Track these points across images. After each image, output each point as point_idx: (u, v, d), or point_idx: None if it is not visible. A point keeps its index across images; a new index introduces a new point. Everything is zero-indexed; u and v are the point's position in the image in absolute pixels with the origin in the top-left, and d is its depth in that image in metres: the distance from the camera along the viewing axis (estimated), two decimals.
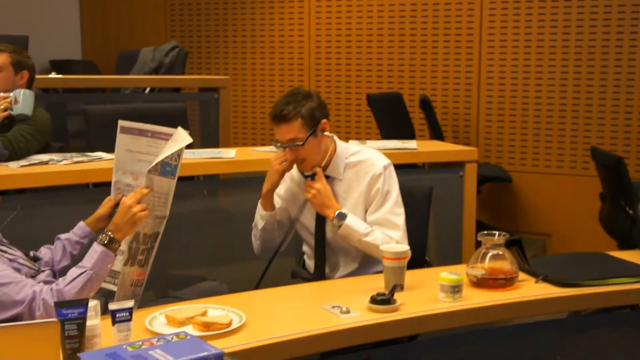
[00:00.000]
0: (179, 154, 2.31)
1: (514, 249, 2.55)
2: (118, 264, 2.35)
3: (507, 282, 2.44)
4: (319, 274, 2.78)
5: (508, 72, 5.41)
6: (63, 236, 2.50)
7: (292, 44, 6.19)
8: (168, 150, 2.28)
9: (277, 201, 2.82)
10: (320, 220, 2.76)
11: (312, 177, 2.71)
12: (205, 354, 1.62)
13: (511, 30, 5.37)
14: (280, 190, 2.83)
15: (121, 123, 2.44)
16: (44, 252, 2.50)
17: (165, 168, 2.31)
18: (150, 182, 2.28)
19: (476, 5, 5.47)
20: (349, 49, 5.97)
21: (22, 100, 3.34)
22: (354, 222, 2.65)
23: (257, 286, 2.70)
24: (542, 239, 5.34)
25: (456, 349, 2.36)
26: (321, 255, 2.78)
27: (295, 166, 2.74)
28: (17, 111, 3.34)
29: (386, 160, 2.77)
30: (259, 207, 2.80)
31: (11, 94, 3.35)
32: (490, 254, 2.47)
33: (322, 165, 2.73)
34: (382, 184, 2.70)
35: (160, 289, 3.20)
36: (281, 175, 2.73)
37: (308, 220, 2.80)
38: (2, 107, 3.34)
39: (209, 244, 3.65)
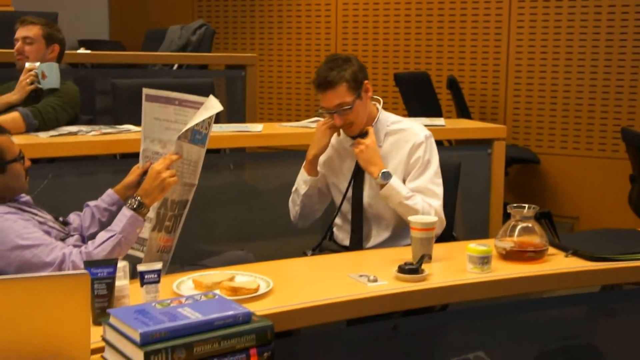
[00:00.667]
0: (209, 122, 2.31)
1: (544, 222, 2.50)
2: (146, 231, 2.36)
3: (536, 255, 2.40)
4: (356, 240, 2.78)
5: (537, 52, 5.34)
6: (92, 203, 2.51)
7: (319, 22, 6.16)
8: (199, 117, 2.27)
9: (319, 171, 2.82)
10: (358, 185, 2.76)
11: (362, 136, 2.70)
12: (233, 312, 1.62)
13: (541, 10, 5.30)
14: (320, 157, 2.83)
15: (145, 91, 2.44)
16: (73, 218, 2.52)
17: (195, 136, 2.32)
18: (179, 148, 2.28)
19: None
20: (376, 28, 5.93)
21: (49, 74, 3.37)
22: (397, 184, 2.65)
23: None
24: (570, 222, 5.28)
25: (484, 321, 2.34)
26: (359, 221, 2.77)
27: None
28: (46, 85, 3.37)
29: (427, 131, 2.77)
30: (303, 172, 2.80)
31: (37, 68, 3.37)
32: (519, 227, 2.43)
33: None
34: (423, 153, 2.70)
35: (186, 261, 3.22)
36: (329, 139, 2.74)
37: (344, 186, 2.80)
38: (28, 80, 3.36)
39: (234, 218, 3.65)
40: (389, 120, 2.79)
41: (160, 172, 2.22)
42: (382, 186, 2.65)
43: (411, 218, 2.38)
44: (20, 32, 3.51)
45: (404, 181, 2.71)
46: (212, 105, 2.30)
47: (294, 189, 2.85)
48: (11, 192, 2.27)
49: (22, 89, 3.36)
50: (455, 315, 2.42)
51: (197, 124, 2.27)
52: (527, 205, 2.46)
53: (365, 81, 2.68)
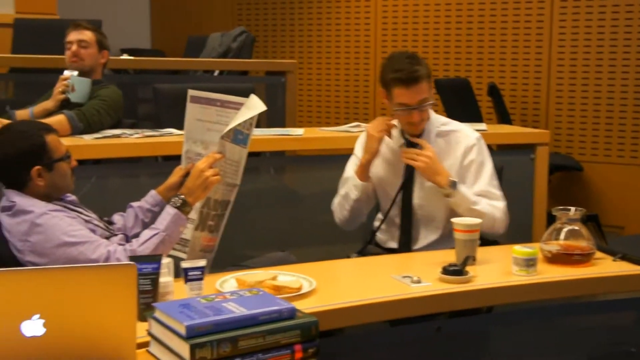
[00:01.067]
0: (251, 122, 2.31)
1: (590, 225, 2.46)
2: (188, 232, 2.37)
3: (583, 258, 2.36)
4: (405, 242, 2.76)
5: (579, 58, 5.27)
6: (135, 204, 2.53)
7: (359, 29, 6.16)
8: (241, 117, 2.28)
9: None
10: (408, 187, 2.74)
11: (414, 147, 2.66)
12: (277, 307, 1.61)
13: (584, 15, 5.22)
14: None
15: (191, 92, 2.46)
16: (117, 219, 2.54)
17: (237, 136, 2.32)
18: (222, 147, 2.29)
19: None
20: (416, 35, 5.91)
21: (79, 88, 3.42)
22: (465, 191, 2.63)
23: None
24: (615, 231, 5.17)
25: (530, 324, 2.29)
26: (407, 223, 2.76)
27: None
28: (73, 98, 3.42)
29: (477, 133, 2.76)
30: (354, 177, 2.75)
31: (70, 79, 3.42)
32: (565, 230, 2.39)
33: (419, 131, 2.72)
34: (477, 155, 2.69)
35: (227, 264, 3.23)
36: (380, 143, 2.71)
37: (392, 189, 2.78)
38: (60, 89, 3.41)
39: (275, 222, 3.65)
40: (439, 121, 2.78)
41: (203, 171, 2.23)
42: (448, 194, 2.61)
43: (454, 220, 2.36)
44: (75, 36, 3.55)
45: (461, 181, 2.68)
46: (254, 105, 2.30)
47: (343, 193, 2.80)
48: (57, 191, 2.30)
49: (55, 97, 3.43)
50: (501, 317, 2.38)
51: (239, 124, 2.28)
52: (573, 208, 2.42)
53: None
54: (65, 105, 3.41)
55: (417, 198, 2.74)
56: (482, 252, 2.38)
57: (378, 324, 2.15)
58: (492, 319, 2.37)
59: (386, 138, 2.76)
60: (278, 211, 3.71)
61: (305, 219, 3.54)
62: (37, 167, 2.19)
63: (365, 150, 2.73)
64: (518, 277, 2.23)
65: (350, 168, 2.82)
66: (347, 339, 2.18)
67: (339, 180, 2.85)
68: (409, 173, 2.73)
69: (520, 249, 2.27)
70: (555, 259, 2.35)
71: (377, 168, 2.80)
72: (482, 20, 5.63)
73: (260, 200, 3.63)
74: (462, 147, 2.70)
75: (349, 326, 2.06)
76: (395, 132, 2.77)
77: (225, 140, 2.29)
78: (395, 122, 2.75)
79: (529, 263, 2.24)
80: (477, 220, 2.37)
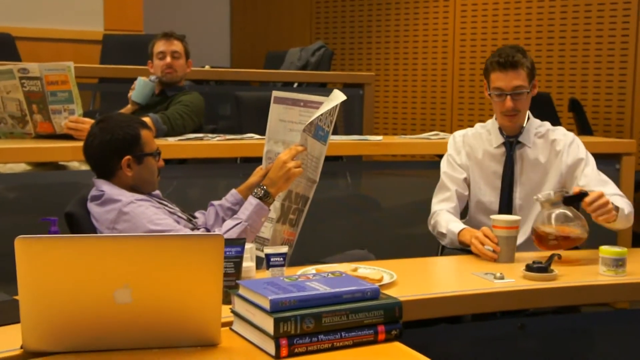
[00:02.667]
0: (331, 119, 2.32)
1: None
2: (267, 230, 2.39)
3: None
4: None
5: None
6: (216, 202, 2.57)
7: (437, 42, 6.14)
8: (324, 107, 2.29)
9: (462, 172, 2.76)
10: (508, 188, 2.70)
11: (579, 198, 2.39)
12: (362, 287, 1.61)
13: None
14: (465, 160, 2.77)
15: (275, 93, 2.48)
16: (198, 216, 2.57)
17: (318, 132, 2.34)
18: (304, 141, 2.31)
19: (633, 5, 5.21)
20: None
21: (138, 88, 3.54)
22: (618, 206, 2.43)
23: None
24: None
25: (618, 325, 2.21)
26: None
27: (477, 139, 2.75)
28: (133, 97, 3.56)
29: (572, 133, 2.77)
30: (455, 233, 2.55)
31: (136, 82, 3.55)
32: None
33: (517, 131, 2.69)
34: (582, 152, 2.68)
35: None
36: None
37: (487, 190, 2.74)
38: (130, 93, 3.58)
39: (352, 227, 3.64)
40: (536, 123, 2.77)
41: (286, 162, 2.25)
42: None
43: (494, 217, 2.39)
44: (167, 46, 3.65)
45: (563, 182, 2.67)
46: (336, 96, 2.31)
47: (441, 231, 2.63)
48: (144, 184, 2.34)
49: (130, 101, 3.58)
50: (585, 317, 2.31)
51: (320, 120, 2.29)
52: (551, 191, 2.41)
53: (536, 78, 2.67)
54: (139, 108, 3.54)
55: (518, 199, 2.70)
56: (568, 254, 2.32)
57: (461, 318, 2.10)
58: (576, 319, 2.29)
59: (485, 139, 2.74)
60: (354, 216, 3.70)
61: (384, 224, 3.52)
62: (128, 156, 2.26)
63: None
64: (605, 277, 2.16)
65: (446, 166, 2.78)
66: (429, 331, 2.15)
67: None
68: (507, 172, 2.70)
69: (609, 249, 2.20)
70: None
71: (479, 170, 2.76)
72: (563, 36, 5.53)
73: (336, 206, 3.63)
74: (561, 144, 2.69)
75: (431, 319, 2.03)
76: (492, 130, 2.74)
77: (307, 134, 2.30)
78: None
79: (618, 263, 2.18)
80: (516, 217, 2.40)
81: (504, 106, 2.61)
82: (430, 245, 2.90)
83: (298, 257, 2.46)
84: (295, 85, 4.97)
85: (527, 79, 2.61)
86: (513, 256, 2.34)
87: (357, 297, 1.59)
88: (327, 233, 3.55)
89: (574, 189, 2.42)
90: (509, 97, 2.60)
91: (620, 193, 2.57)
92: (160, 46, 3.66)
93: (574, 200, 2.35)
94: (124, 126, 2.29)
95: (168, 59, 3.62)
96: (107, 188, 2.28)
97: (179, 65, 3.65)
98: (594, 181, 2.60)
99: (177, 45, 3.66)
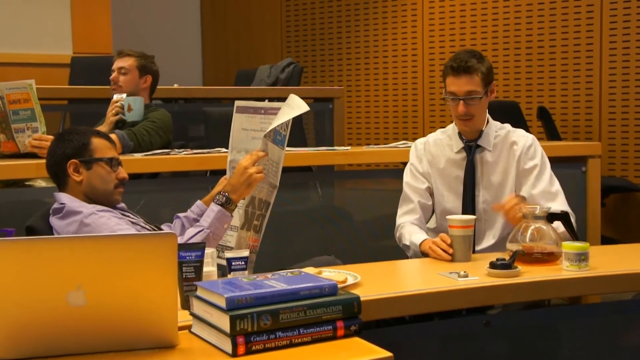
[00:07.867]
0: (287, 123, 2.33)
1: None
2: (232, 239, 2.38)
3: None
4: None
5: (632, 79, 5.17)
6: (181, 214, 2.57)
7: (406, 57, 6.19)
8: (284, 116, 2.29)
9: (424, 181, 2.78)
10: (470, 193, 2.71)
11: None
12: (319, 283, 1.60)
13: (634, 36, 5.15)
14: (427, 168, 2.79)
15: (237, 103, 2.50)
16: (164, 228, 2.57)
17: (276, 136, 2.34)
18: (265, 146, 2.31)
19: (595, 15, 5.30)
20: None
21: (135, 107, 3.51)
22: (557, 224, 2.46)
23: None
24: None
25: (583, 319, 2.22)
26: None
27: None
28: (130, 118, 3.51)
29: (532, 134, 2.79)
30: (416, 245, 2.57)
31: (124, 101, 3.51)
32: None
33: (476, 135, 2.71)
34: (537, 156, 2.70)
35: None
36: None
37: (451, 197, 2.75)
38: (113, 112, 3.51)
39: (321, 237, 3.64)
40: (497, 126, 2.78)
41: (247, 168, 2.25)
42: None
43: (449, 217, 2.40)
44: (117, 63, 3.68)
45: (518, 185, 2.68)
46: (296, 104, 2.32)
47: (405, 244, 2.66)
48: (97, 194, 2.30)
49: (108, 120, 3.52)
50: (551, 312, 2.32)
51: (278, 125, 2.29)
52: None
53: (494, 82, 2.69)
54: (121, 127, 3.51)
55: (481, 203, 2.71)
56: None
57: (426, 316, 2.10)
58: (542, 314, 2.30)
59: (446, 145, 2.76)
60: (325, 225, 3.69)
61: (353, 233, 3.52)
62: (73, 160, 2.26)
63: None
64: (569, 272, 2.17)
65: (409, 176, 2.80)
66: (394, 330, 2.14)
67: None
68: (468, 178, 2.72)
69: (571, 244, 2.22)
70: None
71: (436, 178, 2.77)
72: (530, 46, 5.60)
73: (305, 216, 3.62)
74: (520, 146, 2.70)
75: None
76: (453, 136, 2.76)
77: (267, 139, 2.31)
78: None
79: (581, 257, 2.19)
80: (471, 217, 2.42)
81: (457, 110, 2.64)
82: (401, 254, 2.90)
83: (269, 267, 2.44)
84: (266, 101, 4.98)
85: (482, 83, 2.62)
86: (470, 255, 2.36)
87: (314, 293, 1.58)
88: (298, 243, 3.54)
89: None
90: (462, 101, 2.62)
91: (567, 209, 2.56)
92: (113, 64, 3.68)
93: (557, 218, 2.39)
94: (76, 134, 2.31)
95: (113, 75, 3.63)
96: (68, 200, 2.26)
97: (124, 80, 3.64)
98: (542, 194, 2.62)
99: (125, 61, 3.66)
